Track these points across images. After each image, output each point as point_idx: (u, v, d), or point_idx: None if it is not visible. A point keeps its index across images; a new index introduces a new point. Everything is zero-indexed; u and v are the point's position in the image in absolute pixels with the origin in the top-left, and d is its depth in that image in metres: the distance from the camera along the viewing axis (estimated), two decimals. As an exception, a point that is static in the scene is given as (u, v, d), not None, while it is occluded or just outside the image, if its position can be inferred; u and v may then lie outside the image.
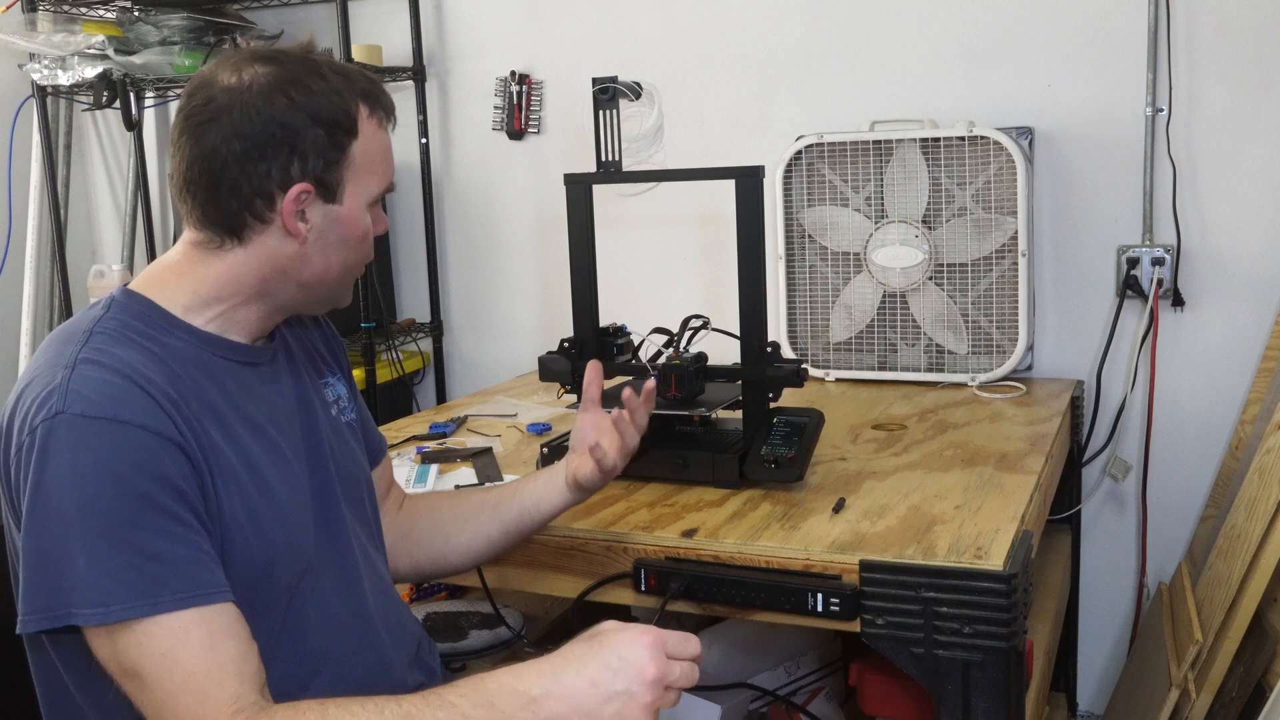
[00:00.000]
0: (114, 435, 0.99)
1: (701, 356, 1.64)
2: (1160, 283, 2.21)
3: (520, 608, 2.04)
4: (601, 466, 1.31)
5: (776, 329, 2.25)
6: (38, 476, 0.98)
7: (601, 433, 1.34)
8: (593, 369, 1.41)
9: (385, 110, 1.16)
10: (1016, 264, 2.13)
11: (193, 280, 1.14)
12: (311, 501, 1.18)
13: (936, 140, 2.15)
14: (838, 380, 2.27)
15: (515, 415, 2.10)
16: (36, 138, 2.90)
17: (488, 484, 1.65)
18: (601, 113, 1.65)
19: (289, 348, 1.26)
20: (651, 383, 1.39)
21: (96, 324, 1.08)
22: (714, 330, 1.68)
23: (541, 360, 1.69)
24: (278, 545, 1.10)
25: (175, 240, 1.18)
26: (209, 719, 0.97)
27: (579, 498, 1.36)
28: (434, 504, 1.45)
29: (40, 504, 0.98)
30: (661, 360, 1.63)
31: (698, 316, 1.67)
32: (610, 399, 1.71)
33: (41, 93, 2.78)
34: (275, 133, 1.09)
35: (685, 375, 1.58)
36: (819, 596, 1.27)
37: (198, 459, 1.04)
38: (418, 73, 2.75)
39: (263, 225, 1.11)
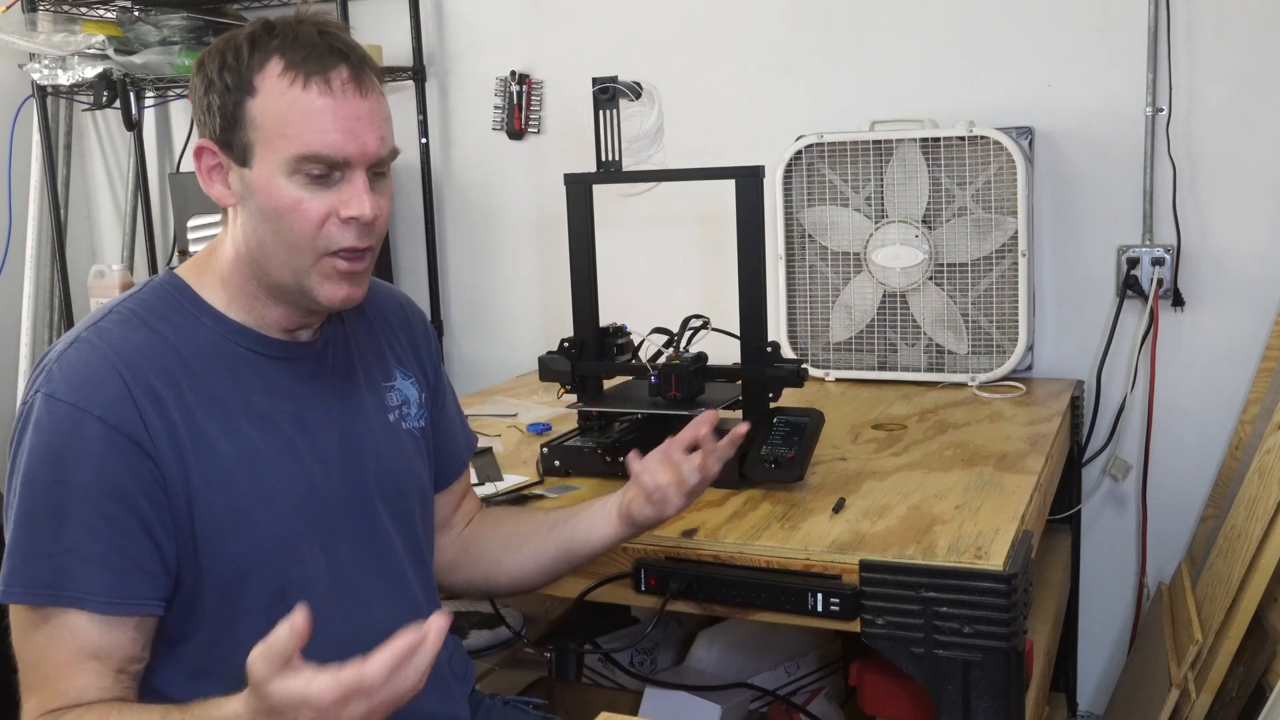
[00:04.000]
0: (71, 422, 1.00)
1: (701, 356, 1.64)
2: (1160, 283, 2.21)
3: (520, 607, 2.04)
4: (660, 511, 1.25)
5: (776, 329, 2.25)
6: (16, 448, 1.02)
7: (669, 471, 1.25)
8: (707, 420, 1.27)
9: (307, 71, 1.03)
10: (1016, 264, 2.12)
11: (213, 258, 1.13)
12: (332, 507, 1.13)
13: (936, 140, 2.15)
14: (838, 380, 2.27)
15: (515, 415, 2.10)
16: (36, 138, 2.90)
17: (551, 492, 1.57)
18: (601, 113, 1.65)
19: (349, 345, 1.21)
20: (744, 427, 1.31)
21: (124, 301, 1.10)
22: (714, 330, 1.68)
23: (541, 360, 1.69)
24: (266, 546, 1.07)
25: (175, 241, 1.17)
26: None
27: (631, 532, 1.29)
28: (499, 520, 1.40)
29: (13, 475, 1.02)
30: (661, 360, 1.63)
31: (698, 316, 1.67)
32: (615, 399, 1.71)
33: (41, 93, 2.78)
34: (195, 84, 1.08)
35: (685, 375, 1.58)
36: (819, 596, 1.27)
37: (165, 457, 1.02)
38: (418, 73, 2.74)
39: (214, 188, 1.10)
